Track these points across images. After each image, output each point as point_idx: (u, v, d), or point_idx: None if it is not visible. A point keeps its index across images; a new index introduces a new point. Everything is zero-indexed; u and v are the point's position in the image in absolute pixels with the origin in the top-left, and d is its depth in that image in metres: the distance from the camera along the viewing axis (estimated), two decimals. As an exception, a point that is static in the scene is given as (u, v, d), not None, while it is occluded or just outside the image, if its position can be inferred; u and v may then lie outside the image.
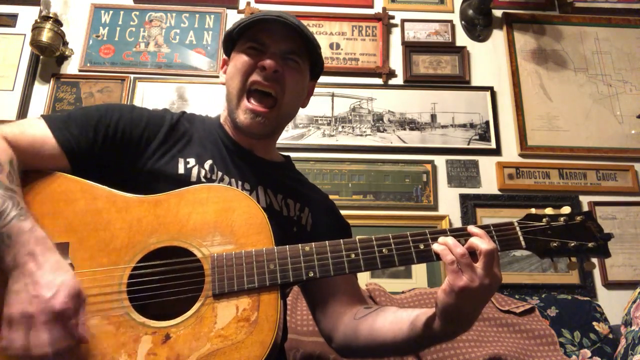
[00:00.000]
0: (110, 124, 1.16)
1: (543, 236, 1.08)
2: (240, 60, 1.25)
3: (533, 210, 1.12)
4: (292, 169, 1.46)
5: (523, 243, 1.07)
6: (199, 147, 1.25)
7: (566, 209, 1.12)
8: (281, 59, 1.23)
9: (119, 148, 1.17)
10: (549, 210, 1.12)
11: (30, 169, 1.06)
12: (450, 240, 1.00)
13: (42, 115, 1.14)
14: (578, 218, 1.10)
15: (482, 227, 1.05)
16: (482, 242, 0.98)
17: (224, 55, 1.37)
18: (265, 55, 1.22)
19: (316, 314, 1.35)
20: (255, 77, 1.22)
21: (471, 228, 1.03)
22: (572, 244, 1.08)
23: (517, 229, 1.08)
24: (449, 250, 0.99)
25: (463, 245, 0.99)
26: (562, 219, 1.10)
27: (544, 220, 1.10)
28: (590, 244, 1.08)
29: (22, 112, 2.55)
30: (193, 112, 1.37)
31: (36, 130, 1.10)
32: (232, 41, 1.30)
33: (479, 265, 0.96)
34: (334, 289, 1.31)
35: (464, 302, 0.95)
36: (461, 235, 1.04)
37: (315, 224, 1.34)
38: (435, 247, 1.02)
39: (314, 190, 1.45)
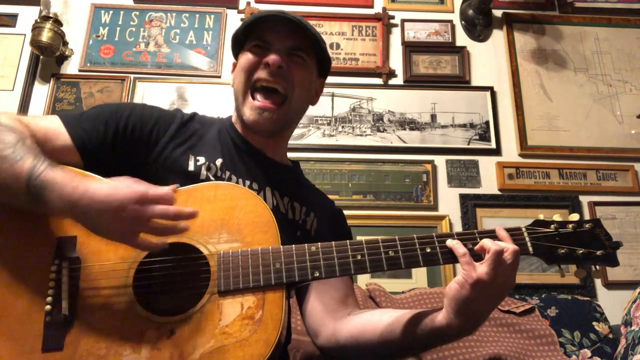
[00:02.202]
0: (120, 119, 1.18)
1: (551, 242, 1.07)
2: (245, 58, 1.26)
3: (541, 216, 1.11)
4: (300, 174, 1.46)
5: (530, 249, 1.06)
6: (210, 146, 1.26)
7: (575, 216, 1.11)
8: (286, 55, 1.24)
9: (129, 144, 1.18)
10: (557, 217, 1.11)
11: None
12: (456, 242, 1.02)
13: (56, 113, 1.16)
14: (587, 225, 1.09)
15: (489, 232, 1.05)
16: (492, 243, 0.98)
17: (234, 59, 1.37)
18: (269, 52, 1.23)
19: (305, 307, 1.32)
20: (259, 74, 1.23)
21: (484, 241, 1.01)
22: (580, 252, 1.07)
23: (525, 234, 1.07)
24: (461, 244, 1.01)
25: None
26: (570, 225, 1.09)
27: (552, 226, 1.09)
28: (598, 252, 1.07)
29: (22, 112, 2.53)
30: (204, 114, 1.38)
31: (50, 123, 1.14)
32: (240, 44, 1.31)
33: (494, 261, 0.96)
34: (329, 287, 1.29)
35: (476, 295, 0.95)
36: (468, 239, 1.04)
37: (319, 229, 1.34)
38: (448, 242, 1.03)
39: (320, 196, 1.45)
